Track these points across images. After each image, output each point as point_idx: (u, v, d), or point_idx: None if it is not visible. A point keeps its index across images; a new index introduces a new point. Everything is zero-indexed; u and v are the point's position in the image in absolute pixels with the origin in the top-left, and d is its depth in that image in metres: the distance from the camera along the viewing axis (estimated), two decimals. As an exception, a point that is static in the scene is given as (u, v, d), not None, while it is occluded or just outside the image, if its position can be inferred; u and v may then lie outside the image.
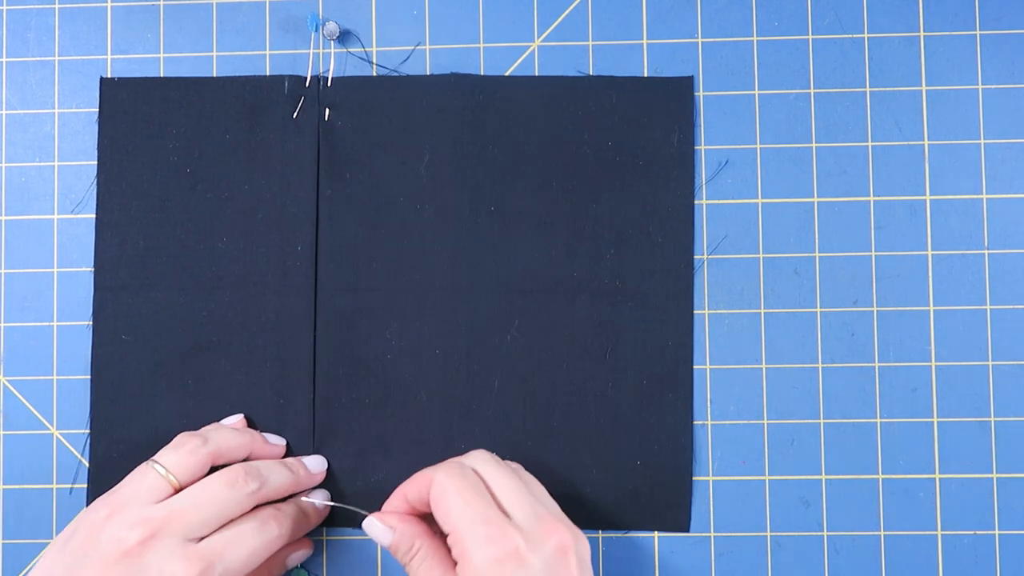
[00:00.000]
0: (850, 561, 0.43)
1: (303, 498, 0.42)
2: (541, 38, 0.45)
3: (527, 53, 0.45)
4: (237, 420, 0.43)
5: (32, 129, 0.46)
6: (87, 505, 0.42)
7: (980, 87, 0.44)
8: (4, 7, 0.46)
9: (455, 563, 0.36)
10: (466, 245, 0.44)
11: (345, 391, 0.44)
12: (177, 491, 0.38)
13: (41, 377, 0.45)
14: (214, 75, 0.45)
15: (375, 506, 0.42)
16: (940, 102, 0.44)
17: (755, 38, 0.45)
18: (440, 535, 0.38)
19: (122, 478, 0.40)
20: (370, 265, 0.44)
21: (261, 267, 0.44)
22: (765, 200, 0.44)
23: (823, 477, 0.43)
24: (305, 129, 0.44)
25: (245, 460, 0.41)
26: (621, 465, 0.43)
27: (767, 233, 0.44)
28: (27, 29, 0.46)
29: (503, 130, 0.44)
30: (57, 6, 0.46)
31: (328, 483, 0.43)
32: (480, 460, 0.39)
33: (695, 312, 0.44)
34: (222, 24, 0.46)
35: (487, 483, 0.38)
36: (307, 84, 0.45)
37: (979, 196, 0.44)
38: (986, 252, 0.44)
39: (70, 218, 0.45)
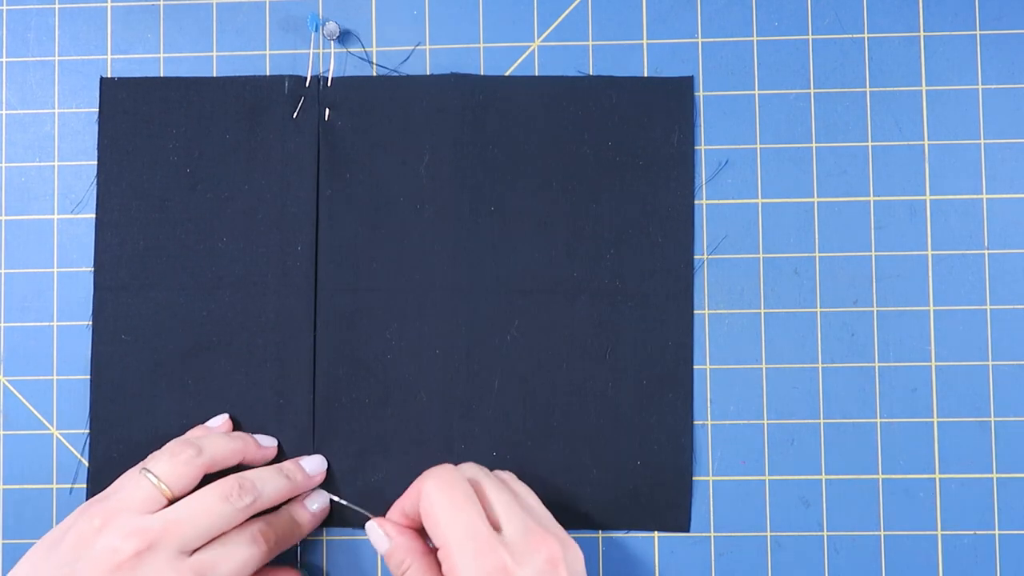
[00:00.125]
0: (850, 561, 0.43)
1: (305, 500, 0.42)
2: (541, 38, 0.45)
3: (527, 53, 0.45)
4: (222, 422, 0.43)
5: (32, 129, 0.46)
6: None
7: (980, 87, 0.44)
8: (4, 7, 0.46)
9: None
10: (466, 245, 0.44)
11: (345, 391, 0.44)
12: (170, 501, 0.38)
13: (41, 377, 0.45)
14: (214, 75, 0.45)
15: (375, 507, 0.43)
16: (940, 102, 0.44)
17: (755, 38, 0.45)
18: (435, 550, 0.38)
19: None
20: (370, 265, 0.44)
21: (261, 267, 0.44)
22: (765, 200, 0.44)
23: (823, 477, 0.43)
24: (305, 129, 0.44)
25: (238, 465, 0.41)
26: (621, 465, 0.43)
27: (767, 233, 0.44)
28: (27, 29, 0.46)
29: (503, 130, 0.44)
30: (57, 6, 0.46)
31: (328, 483, 0.43)
32: (471, 472, 0.39)
33: (695, 312, 0.44)
34: (222, 24, 0.46)
35: (478, 496, 0.37)
36: (307, 84, 0.45)
37: (979, 196, 0.44)
38: (986, 252, 0.44)
39: (70, 218, 0.45)
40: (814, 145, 0.44)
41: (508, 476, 0.41)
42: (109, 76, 0.45)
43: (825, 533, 0.43)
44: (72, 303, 0.45)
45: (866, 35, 0.44)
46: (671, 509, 0.43)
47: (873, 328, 0.44)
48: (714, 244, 0.44)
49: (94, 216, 0.45)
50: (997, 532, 0.43)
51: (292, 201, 0.44)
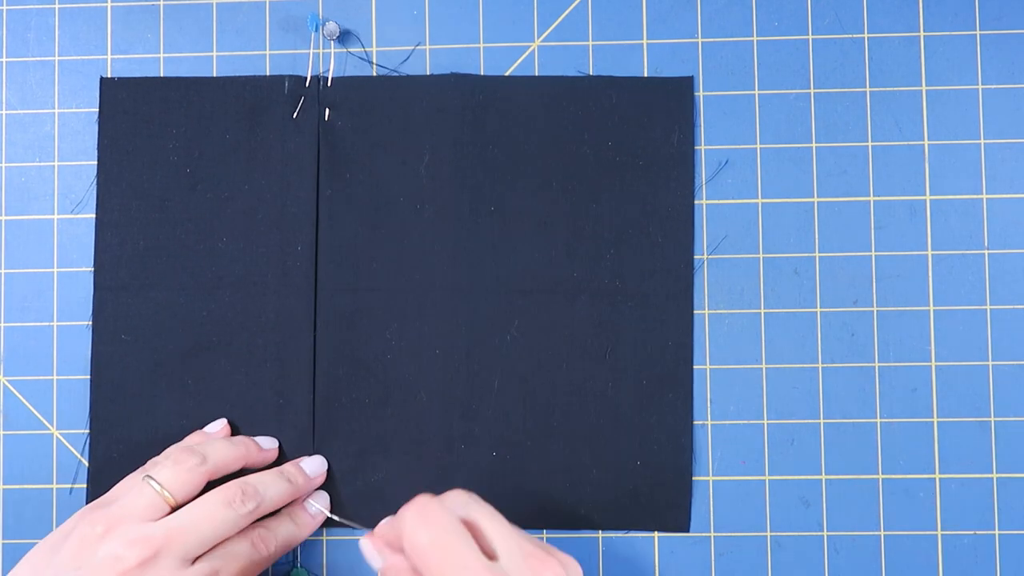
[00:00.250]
0: (850, 561, 0.43)
1: (306, 502, 0.42)
2: (541, 38, 0.45)
3: (527, 53, 0.45)
4: (221, 427, 0.43)
5: (32, 129, 0.46)
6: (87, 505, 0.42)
7: (980, 87, 0.44)
8: (4, 7, 0.46)
9: None
10: (466, 245, 0.44)
11: (345, 391, 0.44)
12: (173, 509, 0.38)
13: (41, 377, 0.45)
14: (214, 75, 0.45)
15: (375, 507, 0.43)
16: (940, 102, 0.44)
17: (755, 38, 0.45)
18: None
19: (122, 478, 0.40)
20: (370, 265, 0.44)
21: (261, 267, 0.44)
22: (765, 200, 0.44)
23: (823, 477, 0.43)
24: (305, 129, 0.44)
25: (240, 469, 0.41)
26: (621, 465, 0.43)
27: (767, 233, 0.44)
28: (27, 29, 0.46)
29: (503, 130, 0.44)
30: (57, 6, 0.46)
31: (328, 484, 0.43)
32: (460, 502, 0.36)
33: (695, 312, 0.44)
34: (222, 24, 0.46)
35: (469, 525, 0.35)
36: (307, 84, 0.45)
37: (979, 196, 0.44)
38: (986, 252, 0.44)
39: (70, 218, 0.45)
40: (814, 145, 0.44)
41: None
42: (109, 76, 0.45)
43: (825, 533, 0.43)
44: (72, 303, 0.45)
45: (866, 35, 0.44)
46: (671, 509, 0.43)
47: (873, 328, 0.44)
48: (714, 244, 0.44)
49: (94, 216, 0.45)
50: (997, 532, 0.43)
51: (292, 201, 0.44)
